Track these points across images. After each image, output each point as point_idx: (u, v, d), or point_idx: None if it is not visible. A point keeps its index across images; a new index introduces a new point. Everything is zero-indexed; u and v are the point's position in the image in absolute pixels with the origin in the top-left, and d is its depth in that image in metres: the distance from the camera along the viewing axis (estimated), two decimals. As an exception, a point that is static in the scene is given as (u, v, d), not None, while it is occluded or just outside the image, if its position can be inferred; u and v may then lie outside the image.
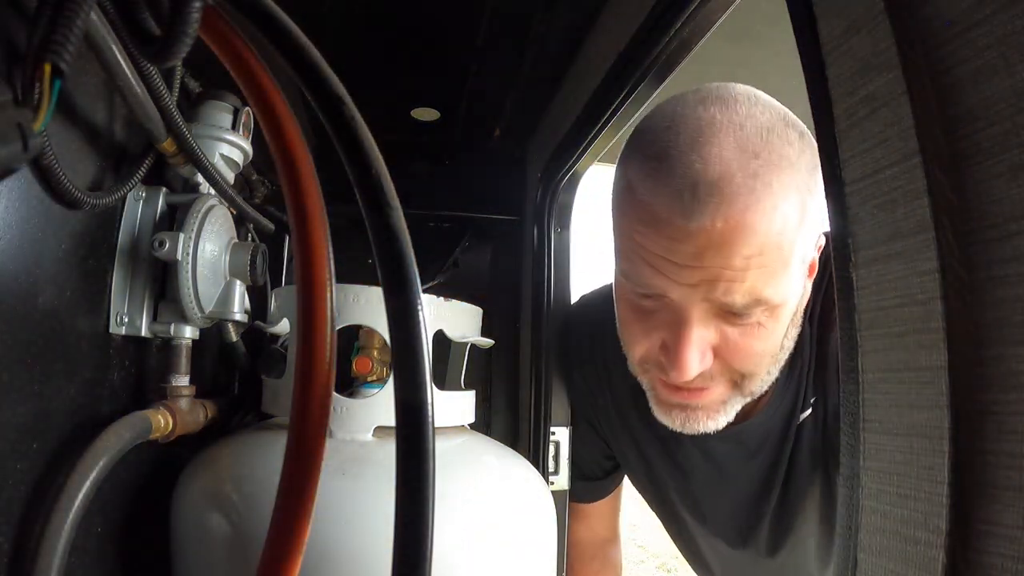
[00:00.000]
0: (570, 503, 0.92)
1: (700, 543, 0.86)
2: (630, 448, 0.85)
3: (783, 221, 0.55)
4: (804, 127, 0.60)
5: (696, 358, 0.59)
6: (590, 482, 0.93)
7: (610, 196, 0.67)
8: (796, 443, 0.71)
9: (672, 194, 0.55)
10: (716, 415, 0.65)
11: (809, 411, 0.69)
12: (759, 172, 0.54)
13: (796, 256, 0.58)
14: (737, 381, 0.64)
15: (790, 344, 0.66)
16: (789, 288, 0.59)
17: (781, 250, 0.56)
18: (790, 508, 0.73)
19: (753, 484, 0.74)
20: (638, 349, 0.66)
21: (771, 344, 0.62)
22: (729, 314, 0.59)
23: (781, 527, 0.74)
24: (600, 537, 0.98)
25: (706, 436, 0.74)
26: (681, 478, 0.81)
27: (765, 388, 0.66)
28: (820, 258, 0.71)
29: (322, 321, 0.31)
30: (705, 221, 0.54)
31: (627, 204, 0.61)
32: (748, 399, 0.66)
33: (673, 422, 0.66)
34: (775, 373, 0.66)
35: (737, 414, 0.72)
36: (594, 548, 0.97)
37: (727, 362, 0.62)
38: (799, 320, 0.66)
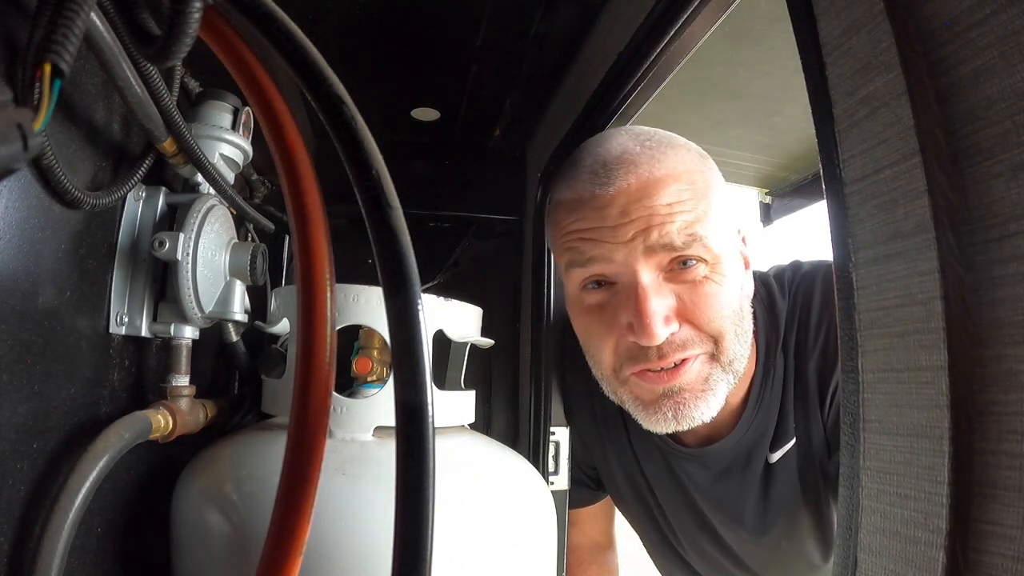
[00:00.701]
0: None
1: (684, 556, 0.85)
2: (610, 456, 0.85)
3: (689, 179, 0.64)
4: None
5: (659, 310, 0.61)
6: (581, 487, 0.93)
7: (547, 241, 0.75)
8: (774, 475, 0.70)
9: (587, 176, 0.65)
10: (705, 396, 0.65)
11: (792, 442, 0.69)
12: (653, 147, 0.65)
13: (716, 214, 0.64)
14: (712, 353, 0.64)
15: (748, 325, 0.68)
16: (721, 243, 0.64)
17: (697, 201, 0.63)
18: (773, 535, 0.72)
19: (723, 509, 0.74)
20: (606, 351, 0.67)
21: (725, 299, 0.64)
22: (675, 270, 0.63)
23: (765, 551, 0.74)
24: (595, 542, 0.98)
25: (678, 456, 0.75)
26: (654, 495, 0.81)
27: (743, 365, 0.67)
28: (790, 286, 0.73)
29: (322, 321, 0.31)
30: (620, 183, 0.63)
31: (556, 212, 0.69)
32: (731, 377, 0.66)
33: (665, 419, 0.65)
34: (745, 348, 0.67)
35: (703, 437, 0.72)
36: (591, 553, 0.97)
37: (692, 321, 0.63)
38: (749, 304, 0.69)
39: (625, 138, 0.67)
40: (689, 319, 0.63)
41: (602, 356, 0.68)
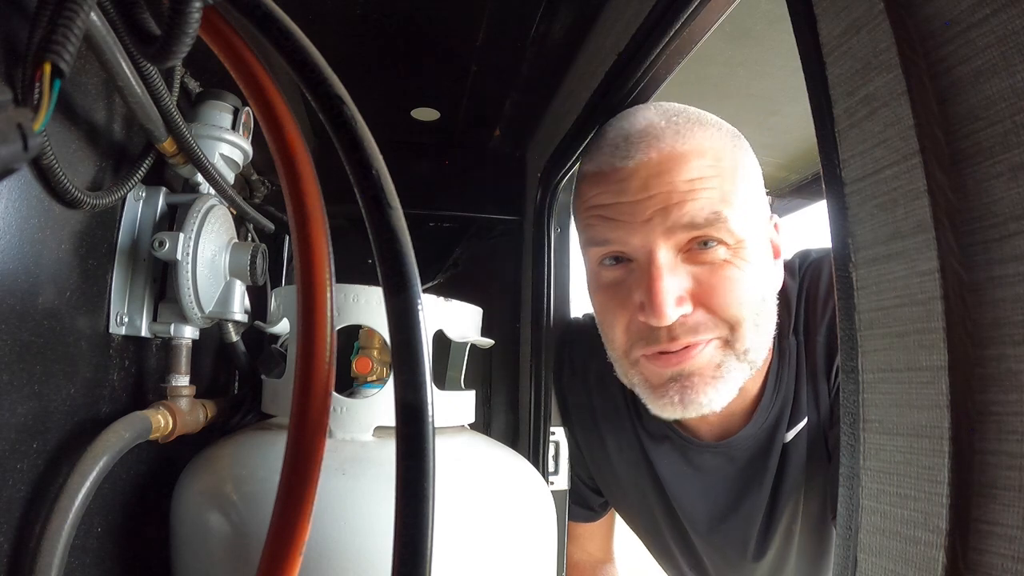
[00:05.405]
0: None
1: (682, 555, 0.85)
2: (610, 452, 0.84)
3: (715, 157, 0.62)
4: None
5: (672, 290, 0.60)
6: (582, 502, 0.92)
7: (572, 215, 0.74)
8: (786, 456, 0.70)
9: (610, 149, 0.65)
10: (715, 383, 0.62)
11: (803, 422, 0.69)
12: (680, 123, 0.64)
13: (743, 196, 0.63)
14: (727, 338, 0.63)
15: (771, 316, 0.66)
16: (746, 227, 0.62)
17: (722, 180, 0.61)
18: (777, 519, 0.72)
19: (744, 499, 0.74)
20: (619, 329, 0.66)
21: (745, 285, 0.62)
22: (694, 251, 0.62)
23: (769, 537, 0.74)
24: (595, 558, 0.98)
25: (699, 449, 0.74)
26: (663, 491, 0.80)
27: (761, 355, 0.65)
28: (800, 270, 0.73)
29: (322, 321, 0.31)
30: (641, 157, 0.62)
31: (580, 185, 0.70)
32: (747, 367, 0.64)
33: (672, 403, 0.63)
34: (764, 339, 0.65)
35: (721, 430, 0.71)
36: (591, 570, 0.97)
37: (707, 304, 0.61)
38: (774, 296, 0.67)
39: (652, 112, 0.66)
40: (704, 303, 0.61)
41: (615, 335, 0.67)
